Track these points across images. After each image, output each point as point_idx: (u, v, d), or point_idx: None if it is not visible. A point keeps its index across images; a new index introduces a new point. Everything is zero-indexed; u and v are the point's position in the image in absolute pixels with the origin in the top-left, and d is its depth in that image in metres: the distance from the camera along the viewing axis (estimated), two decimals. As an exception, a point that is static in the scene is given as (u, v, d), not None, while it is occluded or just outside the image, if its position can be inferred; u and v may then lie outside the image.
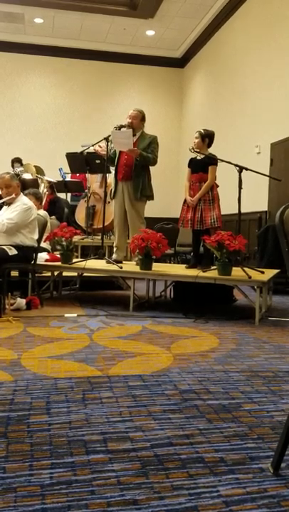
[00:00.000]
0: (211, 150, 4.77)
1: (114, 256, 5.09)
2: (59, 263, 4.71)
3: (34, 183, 6.43)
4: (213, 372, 2.52)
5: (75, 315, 4.04)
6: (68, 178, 7.77)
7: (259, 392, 2.22)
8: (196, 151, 4.66)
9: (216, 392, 2.21)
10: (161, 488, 1.39)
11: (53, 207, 6.45)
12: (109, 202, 5.44)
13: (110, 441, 1.69)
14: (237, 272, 4.02)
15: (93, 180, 6.91)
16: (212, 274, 4.11)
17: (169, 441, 1.69)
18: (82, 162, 6.35)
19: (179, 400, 2.10)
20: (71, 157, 6.44)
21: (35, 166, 7.15)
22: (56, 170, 8.36)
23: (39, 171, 7.13)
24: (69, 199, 8.14)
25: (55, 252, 5.03)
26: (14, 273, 4.57)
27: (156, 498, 1.34)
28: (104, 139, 4.90)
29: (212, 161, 4.61)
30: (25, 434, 1.74)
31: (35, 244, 4.37)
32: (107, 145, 4.92)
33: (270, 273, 4.26)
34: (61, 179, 7.26)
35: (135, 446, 1.65)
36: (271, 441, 1.70)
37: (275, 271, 4.44)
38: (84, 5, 8.70)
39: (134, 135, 4.87)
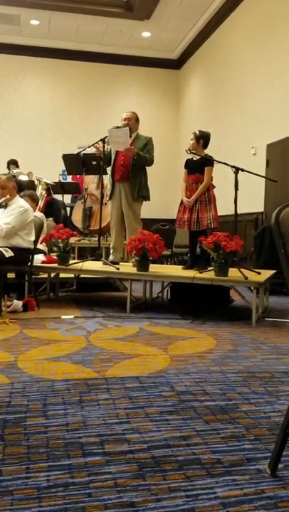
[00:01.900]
0: (208, 151, 4.78)
1: (111, 257, 5.09)
2: (56, 265, 4.71)
3: (30, 185, 6.42)
4: (210, 373, 2.52)
5: (72, 317, 4.03)
6: (69, 179, 7.78)
7: (256, 393, 2.22)
8: (192, 152, 4.67)
9: (213, 393, 2.21)
10: (158, 490, 1.39)
11: (50, 208, 6.45)
12: (106, 203, 5.44)
13: (107, 443, 1.68)
14: (234, 272, 4.03)
15: (90, 182, 6.91)
16: (209, 275, 4.11)
17: (166, 443, 1.69)
18: (78, 163, 6.35)
19: (176, 401, 2.10)
20: (68, 158, 6.44)
21: (28, 173, 7.15)
22: (53, 171, 8.36)
23: (30, 177, 7.12)
24: (69, 200, 8.15)
25: (51, 254, 5.02)
26: (11, 275, 4.56)
27: (153, 500, 1.34)
28: (101, 140, 4.90)
29: (208, 162, 4.62)
30: (22, 436, 1.73)
31: (32, 246, 4.36)
32: (104, 146, 4.92)
33: (266, 274, 4.27)
34: (62, 180, 7.26)
35: (132, 448, 1.64)
36: (268, 442, 1.70)
37: (272, 272, 4.45)
38: (80, 6, 8.70)
39: (129, 136, 4.86)
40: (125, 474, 1.47)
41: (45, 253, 5.09)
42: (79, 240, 6.20)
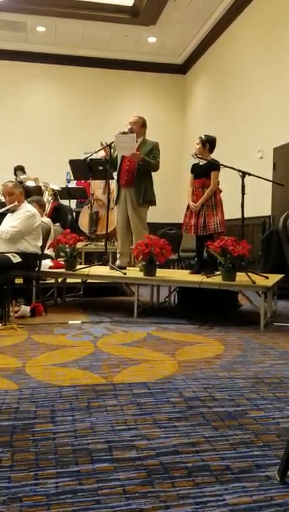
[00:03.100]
0: (214, 155, 4.78)
1: (117, 262, 5.09)
2: (63, 270, 4.72)
3: (38, 191, 6.46)
4: (219, 379, 2.51)
5: (79, 322, 4.03)
6: (74, 184, 7.80)
7: (265, 399, 2.20)
8: (198, 157, 4.67)
9: (222, 399, 2.20)
10: (167, 497, 1.38)
11: (57, 214, 6.47)
12: (112, 208, 5.45)
13: (115, 449, 1.68)
14: (241, 277, 4.01)
15: (96, 187, 6.93)
16: (216, 279, 4.10)
17: (174, 450, 1.68)
18: (85, 169, 6.37)
19: (184, 407, 2.09)
20: (74, 164, 6.47)
21: (35, 179, 7.20)
22: (59, 176, 8.40)
23: (36, 182, 7.17)
24: (74, 206, 8.19)
25: (59, 259, 5.04)
26: (18, 280, 4.57)
27: (162, 507, 1.33)
28: (108, 145, 4.92)
29: (214, 166, 4.61)
30: (30, 443, 1.73)
31: (39, 252, 4.38)
32: (110, 151, 4.94)
33: (274, 278, 4.25)
34: (66, 185, 7.30)
35: (141, 455, 1.64)
36: (277, 449, 1.69)
37: (280, 276, 4.43)
38: (86, 13, 8.75)
39: (135, 141, 4.87)
40: (134, 481, 1.47)
41: (52, 258, 5.11)
42: (86, 245, 6.22)
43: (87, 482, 1.46)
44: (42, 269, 4.52)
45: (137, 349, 3.14)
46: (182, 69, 11.11)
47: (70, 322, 4.02)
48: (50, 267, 4.83)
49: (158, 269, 4.42)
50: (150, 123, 5.19)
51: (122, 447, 1.70)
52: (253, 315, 4.23)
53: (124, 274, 4.49)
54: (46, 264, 4.78)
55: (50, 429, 1.85)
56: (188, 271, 4.97)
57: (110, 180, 5.34)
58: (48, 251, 4.94)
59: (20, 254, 4.19)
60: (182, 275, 4.65)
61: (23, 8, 8.58)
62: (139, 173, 4.93)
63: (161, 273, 4.50)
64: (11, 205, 4.34)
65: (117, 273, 4.55)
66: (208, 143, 4.71)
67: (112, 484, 1.45)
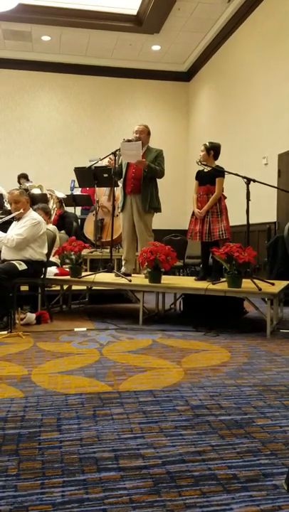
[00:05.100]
0: (218, 162, 4.79)
1: (123, 269, 5.10)
2: (68, 277, 4.73)
3: (43, 198, 6.49)
4: (225, 386, 2.50)
5: (85, 329, 4.03)
6: (79, 191, 7.84)
7: (272, 407, 2.19)
8: (202, 164, 4.68)
9: (228, 407, 2.19)
10: (173, 506, 1.37)
11: (62, 221, 6.50)
12: (117, 215, 5.47)
13: (122, 458, 1.67)
14: (247, 283, 4.00)
15: (101, 194, 6.96)
16: (222, 286, 4.09)
17: (181, 458, 1.67)
18: (90, 176, 6.40)
19: (191, 415, 2.08)
20: (79, 171, 6.50)
21: (39, 186, 7.25)
22: (65, 185, 8.44)
23: (41, 190, 7.22)
24: (79, 213, 8.23)
25: (64, 266, 5.05)
26: (24, 287, 4.59)
27: (169, 517, 1.32)
28: (112, 153, 4.94)
29: (219, 173, 4.62)
30: (37, 451, 1.73)
31: (45, 259, 4.39)
32: (115, 159, 4.96)
33: (280, 285, 4.23)
34: (71, 192, 7.33)
35: (147, 464, 1.63)
36: (285, 457, 1.67)
37: (286, 282, 4.41)
38: (90, 22, 8.83)
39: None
40: (140, 490, 1.46)
41: (57, 265, 5.12)
42: (91, 252, 6.23)
43: (93, 491, 1.46)
44: (47, 276, 4.53)
45: (142, 356, 3.13)
46: (186, 76, 11.17)
47: (75, 329, 4.02)
48: (56, 274, 4.84)
49: (163, 276, 4.42)
50: (154, 130, 5.22)
51: (128, 456, 1.69)
52: (259, 322, 4.21)
53: (130, 281, 4.49)
54: (52, 271, 4.79)
55: (56, 437, 1.85)
56: (193, 278, 4.96)
57: (115, 188, 5.36)
58: (53, 258, 4.96)
59: (26, 261, 4.21)
60: (187, 282, 4.64)
61: (28, 17, 8.67)
62: (144, 180, 4.95)
63: (166, 280, 4.49)
64: (17, 212, 4.36)
65: (123, 280, 4.55)
66: (213, 150, 4.73)
67: (118, 493, 1.44)
